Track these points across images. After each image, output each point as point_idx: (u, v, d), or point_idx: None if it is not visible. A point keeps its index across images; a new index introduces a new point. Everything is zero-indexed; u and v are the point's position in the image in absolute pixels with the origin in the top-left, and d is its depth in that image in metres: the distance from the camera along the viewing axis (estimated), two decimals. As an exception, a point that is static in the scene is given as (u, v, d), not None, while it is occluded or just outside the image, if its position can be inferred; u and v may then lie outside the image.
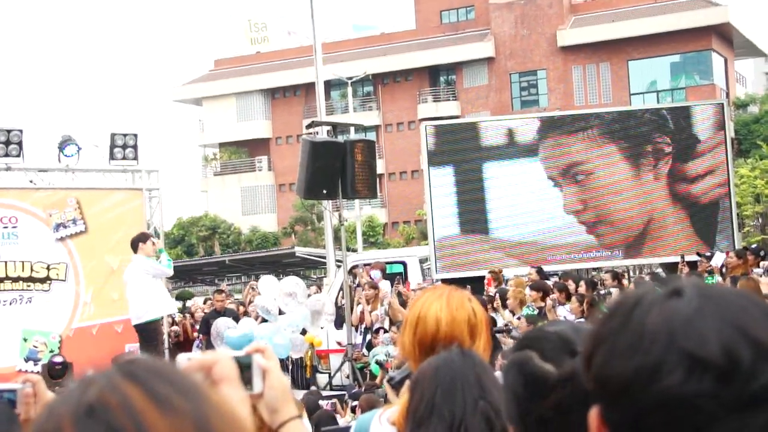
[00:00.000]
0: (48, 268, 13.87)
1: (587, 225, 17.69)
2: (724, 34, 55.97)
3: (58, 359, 12.86)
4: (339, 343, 14.43)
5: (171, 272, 13.03)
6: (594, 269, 18.94)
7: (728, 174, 17.89)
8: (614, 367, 1.10)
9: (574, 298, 12.23)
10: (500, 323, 12.15)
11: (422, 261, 17.68)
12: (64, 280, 13.93)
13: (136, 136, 14.96)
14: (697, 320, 1.08)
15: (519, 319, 11.73)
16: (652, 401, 1.06)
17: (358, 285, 15.24)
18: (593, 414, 1.13)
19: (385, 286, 15.10)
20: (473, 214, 17.80)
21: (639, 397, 1.07)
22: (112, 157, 14.81)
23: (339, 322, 15.26)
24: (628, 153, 17.83)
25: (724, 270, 13.99)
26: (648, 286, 1.18)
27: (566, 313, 12.08)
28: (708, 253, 15.46)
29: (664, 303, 1.12)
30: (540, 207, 17.66)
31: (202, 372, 1.62)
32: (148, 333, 12.57)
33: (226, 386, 1.63)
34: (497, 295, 12.96)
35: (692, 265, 15.58)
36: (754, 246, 17.14)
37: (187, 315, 17.38)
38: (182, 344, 15.44)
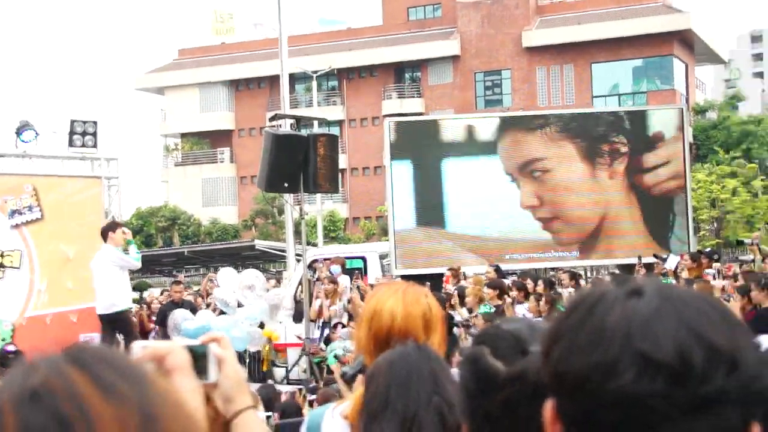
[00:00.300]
0: (2, 255, 13.68)
1: (543, 221, 17.84)
2: (685, 40, 56.57)
3: (11, 348, 12.71)
4: (299, 337, 14.41)
5: (139, 265, 12.78)
6: (552, 269, 19.09)
7: (685, 178, 18.11)
8: (572, 363, 1.11)
9: (532, 297, 12.30)
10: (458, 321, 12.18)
11: (382, 257, 17.71)
12: (18, 268, 13.75)
13: (96, 123, 14.81)
14: (654, 321, 1.09)
15: (476, 316, 11.77)
16: (606, 398, 1.07)
17: (318, 279, 15.23)
18: (548, 407, 1.14)
19: (344, 281, 15.10)
20: (432, 210, 17.88)
21: (594, 393, 1.08)
22: (71, 143, 14.65)
23: (298, 317, 15.25)
24: (585, 153, 17.99)
25: (678, 272, 14.16)
26: (609, 284, 1.18)
27: (524, 311, 12.14)
28: (664, 256, 15.65)
29: (625, 302, 1.12)
30: (497, 202, 17.77)
31: (155, 361, 1.60)
32: (121, 322, 12.33)
33: (178, 376, 1.62)
34: (455, 292, 12.99)
35: (649, 267, 15.74)
36: (708, 250, 17.39)
37: (144, 306, 17.25)
38: (138, 336, 15.33)
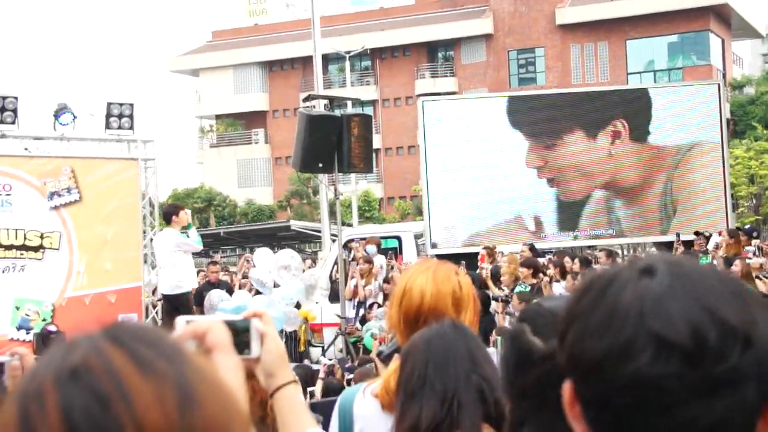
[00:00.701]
0: (41, 237, 13.82)
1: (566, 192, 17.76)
2: (722, 15, 55.84)
3: (52, 328, 12.85)
4: (338, 316, 14.49)
5: (200, 247, 13.12)
6: (588, 247, 19.01)
7: (723, 154, 17.92)
8: (586, 345, 1.11)
9: (569, 276, 12.25)
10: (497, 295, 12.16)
11: (417, 236, 17.70)
12: (58, 249, 13.89)
13: (132, 105, 14.89)
14: (666, 300, 1.08)
15: (511, 295, 11.75)
16: (621, 381, 1.07)
17: (353, 259, 15.26)
18: (566, 387, 1.14)
19: (380, 260, 15.12)
20: (466, 187, 17.83)
21: (609, 376, 1.08)
22: (107, 126, 14.74)
23: (333, 296, 15.29)
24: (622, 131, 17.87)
25: (716, 249, 14.05)
26: (622, 264, 1.18)
27: (561, 290, 12.11)
28: (706, 233, 15.51)
29: (637, 282, 1.11)
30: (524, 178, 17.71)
31: (195, 339, 1.61)
32: (182, 303, 12.54)
33: (219, 353, 1.63)
34: (489, 271, 12.97)
35: (688, 244, 15.61)
36: (747, 227, 17.16)
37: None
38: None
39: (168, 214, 12.67)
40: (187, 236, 12.58)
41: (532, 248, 14.56)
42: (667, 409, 1.06)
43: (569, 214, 17.78)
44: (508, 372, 1.76)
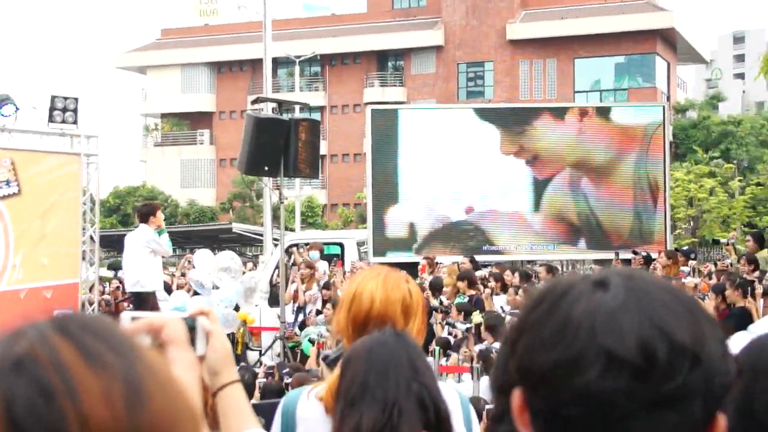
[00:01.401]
0: (-23, 229, 13.56)
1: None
2: (668, 38, 56.77)
3: (-16, 321, 12.60)
4: (278, 316, 14.44)
5: (170, 252, 12.89)
6: (528, 262, 19.14)
7: (665, 176, 18.18)
8: (537, 357, 1.11)
9: (510, 289, 12.31)
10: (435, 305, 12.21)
11: (360, 244, 17.70)
12: (-6, 242, 13.63)
13: (77, 99, 14.68)
14: (618, 315, 1.09)
15: (450, 306, 11.81)
16: (570, 394, 1.07)
17: (294, 264, 15.22)
18: (516, 395, 1.14)
19: (322, 266, 15.10)
20: (411, 194, 17.86)
21: (558, 388, 1.08)
22: (51, 119, 14.52)
23: (273, 300, 15.23)
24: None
25: (652, 271, 14.25)
26: (576, 275, 1.18)
27: (503, 303, 12.18)
28: (643, 252, 15.70)
29: (590, 295, 1.11)
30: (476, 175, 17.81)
31: (151, 333, 1.59)
32: (146, 303, 12.35)
33: (175, 349, 1.61)
34: (429, 282, 13.01)
35: (626, 263, 15.81)
36: (686, 248, 17.45)
37: (119, 285, 17.16)
38: (112, 314, 15.27)
39: (145, 214, 12.50)
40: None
41: (472, 260, 14.63)
42: (615, 423, 1.06)
43: (523, 227, 17.90)
44: (497, 368, 1.78)
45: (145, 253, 12.34)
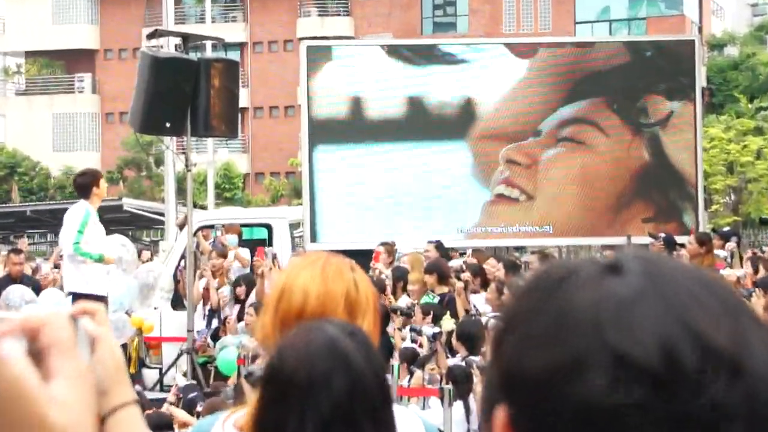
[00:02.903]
0: None
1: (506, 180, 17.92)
2: (700, -48, 57.18)
3: None
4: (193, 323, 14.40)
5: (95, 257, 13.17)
6: (516, 248, 19.20)
7: (695, 135, 18.24)
8: (525, 360, 1.09)
9: (492, 285, 12.33)
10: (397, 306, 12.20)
11: (293, 226, 17.69)
12: None
13: None
14: (634, 307, 1.07)
15: (414, 307, 11.83)
16: (568, 408, 1.05)
17: (202, 252, 15.24)
18: (499, 415, 1.11)
19: (245, 255, 15.11)
20: (362, 162, 17.85)
21: (553, 400, 1.06)
22: None
23: (178, 302, 15.20)
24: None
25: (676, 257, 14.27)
26: (583, 259, 1.16)
27: (481, 303, 12.22)
28: (661, 235, 15.68)
29: (598, 281, 1.10)
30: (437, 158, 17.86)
31: (26, 336, 1.57)
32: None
33: (58, 355, 1.59)
34: (391, 274, 13.02)
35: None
36: (726, 229, 17.03)
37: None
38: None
39: (85, 186, 12.75)
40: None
41: (439, 247, 14.61)
42: None
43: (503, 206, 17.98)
44: (487, 388, 1.78)
45: (91, 235, 12.60)
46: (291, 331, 2.70)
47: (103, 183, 13.02)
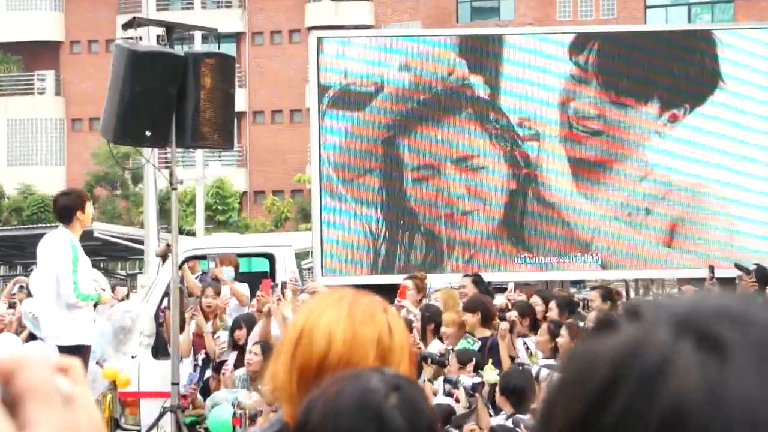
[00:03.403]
0: None
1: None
2: None
3: None
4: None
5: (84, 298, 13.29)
6: (574, 283, 19.17)
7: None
8: None
9: (544, 326, 12.32)
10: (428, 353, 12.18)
11: (300, 256, 17.71)
12: None
13: None
14: (756, 410, 1.00)
15: (448, 354, 11.80)
16: None
17: (191, 294, 15.24)
18: None
19: (243, 291, 15.12)
20: (384, 173, 17.86)
21: None
22: None
23: (161, 349, 15.22)
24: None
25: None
26: (650, 325, 1.08)
27: (532, 347, 12.21)
28: (752, 265, 15.71)
29: (703, 374, 1.02)
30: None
31: None
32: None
33: (36, 404, 1.61)
34: (422, 314, 13.01)
35: (725, 283, 15.85)
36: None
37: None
38: None
39: (68, 209, 12.89)
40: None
41: (477, 281, 14.61)
42: None
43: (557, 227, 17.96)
44: None
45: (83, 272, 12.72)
46: (329, 379, 2.72)
47: (89, 207, 13.10)
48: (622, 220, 17.84)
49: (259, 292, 14.29)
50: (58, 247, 12.76)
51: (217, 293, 14.91)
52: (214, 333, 14.58)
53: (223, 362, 14.06)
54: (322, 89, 17.94)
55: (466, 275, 14.85)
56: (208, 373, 14.40)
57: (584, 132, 17.80)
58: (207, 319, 14.68)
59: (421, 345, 12.45)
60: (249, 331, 14.06)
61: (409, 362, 3.09)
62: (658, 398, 1.02)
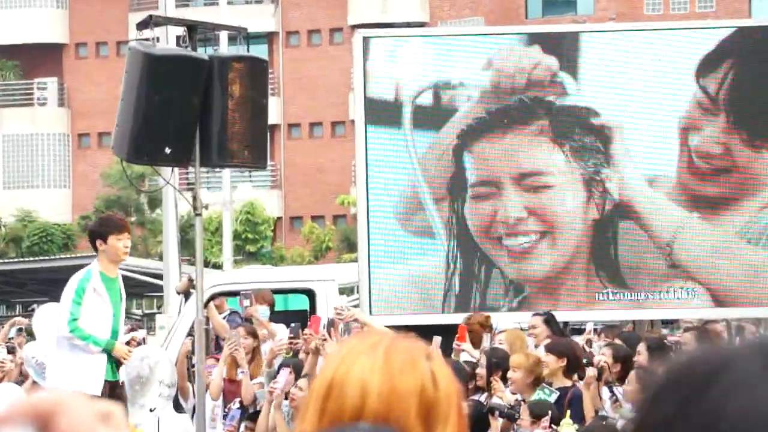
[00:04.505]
0: None
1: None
2: None
3: None
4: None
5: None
6: (665, 323, 19.13)
7: None
8: None
9: (632, 374, 12.30)
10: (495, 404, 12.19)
11: (345, 291, 17.74)
12: None
13: None
14: None
15: (520, 405, 11.81)
16: None
17: (218, 336, 15.25)
18: None
19: (280, 332, 15.14)
20: (442, 196, 17.89)
21: None
22: None
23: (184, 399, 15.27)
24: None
25: None
26: (735, 344, 1.18)
27: (619, 397, 12.20)
28: None
29: (758, 383, 1.10)
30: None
31: (36, 422, 1.63)
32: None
33: None
34: (485, 359, 13.02)
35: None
36: None
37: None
38: None
39: (90, 236, 13.29)
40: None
41: (549, 321, 14.61)
42: None
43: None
44: None
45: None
46: None
47: (113, 239, 13.00)
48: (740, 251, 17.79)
49: (307, 330, 14.29)
50: (72, 278, 12.88)
51: (252, 335, 14.89)
52: (251, 379, 14.60)
53: (258, 412, 14.08)
54: (369, 102, 17.98)
55: (536, 314, 14.83)
56: (243, 426, 14.40)
57: (708, 168, 17.69)
58: (237, 365, 14.71)
59: (486, 395, 12.47)
60: (297, 377, 14.08)
61: (457, 417, 3.08)
62: (701, 403, 1.12)
